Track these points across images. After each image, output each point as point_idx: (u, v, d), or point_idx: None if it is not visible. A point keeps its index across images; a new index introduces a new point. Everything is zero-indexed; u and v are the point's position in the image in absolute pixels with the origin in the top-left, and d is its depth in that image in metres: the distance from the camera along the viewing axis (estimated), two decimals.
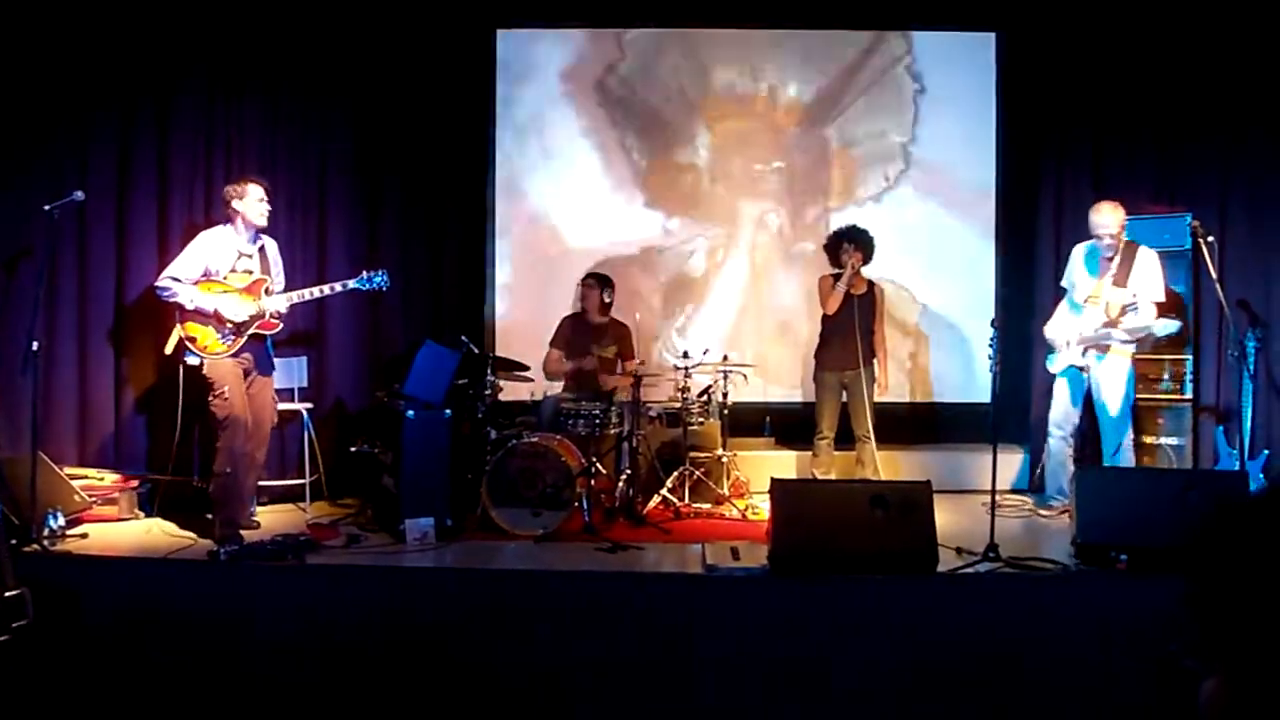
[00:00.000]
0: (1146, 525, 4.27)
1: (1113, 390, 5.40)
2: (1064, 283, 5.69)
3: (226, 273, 4.98)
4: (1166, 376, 5.82)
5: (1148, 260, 5.39)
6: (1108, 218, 5.38)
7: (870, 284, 6.00)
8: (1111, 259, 5.39)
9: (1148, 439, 5.85)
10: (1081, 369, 5.48)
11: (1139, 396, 5.84)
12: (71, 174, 5.29)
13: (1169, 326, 5.52)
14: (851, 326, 5.77)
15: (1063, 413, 5.61)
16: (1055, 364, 5.61)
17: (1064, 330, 5.55)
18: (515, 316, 6.93)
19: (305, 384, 5.91)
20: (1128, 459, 5.45)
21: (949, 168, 6.85)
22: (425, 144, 6.52)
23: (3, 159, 5.24)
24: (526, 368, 5.85)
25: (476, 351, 5.57)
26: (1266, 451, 5.65)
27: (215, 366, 4.89)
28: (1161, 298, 5.37)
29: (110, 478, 5.29)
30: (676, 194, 6.97)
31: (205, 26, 5.67)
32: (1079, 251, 5.60)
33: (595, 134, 6.93)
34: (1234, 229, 5.91)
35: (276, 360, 5.49)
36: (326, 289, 5.20)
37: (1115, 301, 5.32)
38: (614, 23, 6.90)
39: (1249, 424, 5.58)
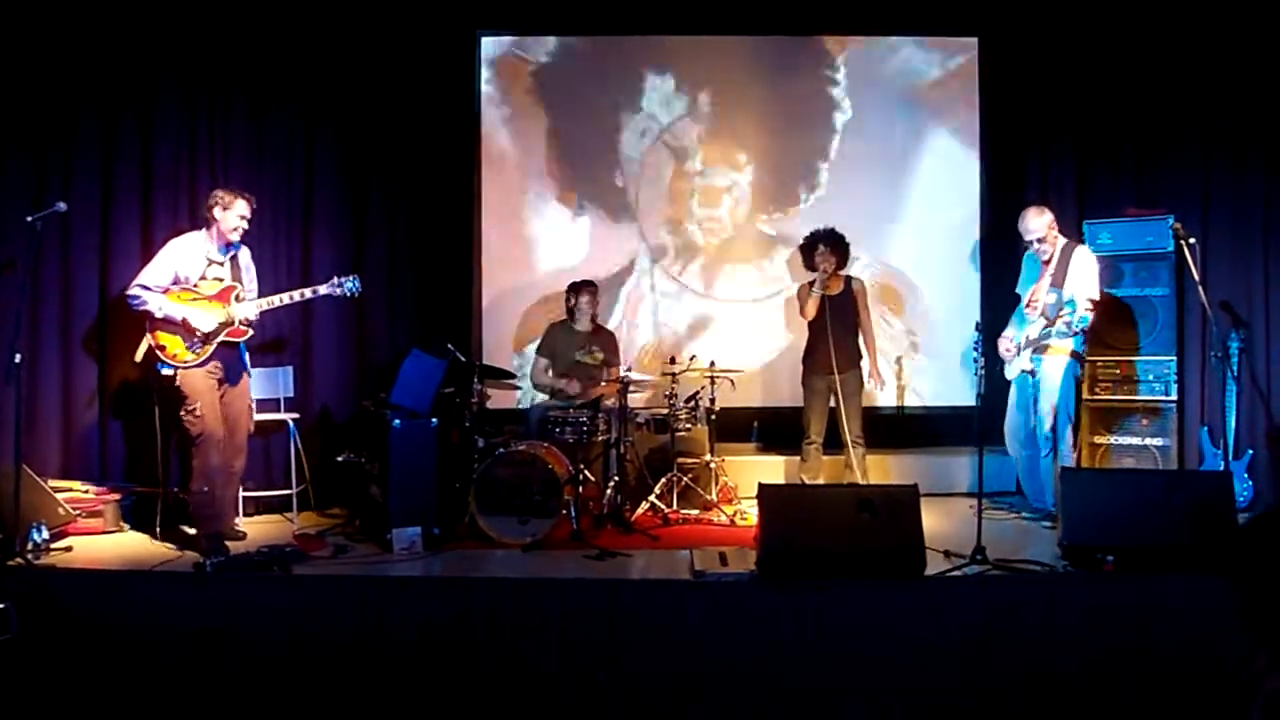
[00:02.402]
0: (1132, 526, 4.28)
1: (1047, 391, 5.41)
2: (1019, 289, 5.72)
3: (196, 280, 4.95)
4: (1151, 378, 5.85)
5: (1083, 259, 5.41)
6: (1033, 222, 5.45)
7: (847, 281, 6.02)
8: (1049, 261, 5.44)
9: (1132, 440, 5.88)
10: (1030, 373, 5.50)
11: (1123, 398, 5.88)
12: (54, 185, 5.26)
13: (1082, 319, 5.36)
14: (831, 329, 5.79)
15: (1014, 421, 5.65)
16: (1009, 371, 5.63)
17: (1009, 339, 5.59)
18: (502, 324, 6.92)
19: (291, 394, 5.88)
20: (1068, 462, 5.43)
21: (932, 172, 6.88)
22: (411, 151, 6.51)
23: None
24: (513, 375, 5.85)
25: (463, 359, 5.56)
26: (1250, 452, 5.69)
27: (188, 379, 4.85)
28: (1095, 295, 5.35)
29: (94, 490, 5.25)
30: (649, 203, 6.98)
31: (186, 34, 5.65)
32: (1026, 259, 5.64)
33: (554, 141, 6.96)
34: (1215, 231, 5.96)
35: (262, 371, 5.47)
36: (296, 295, 5.17)
37: (1051, 303, 5.35)
38: (596, 29, 6.92)
39: (1233, 425, 5.62)
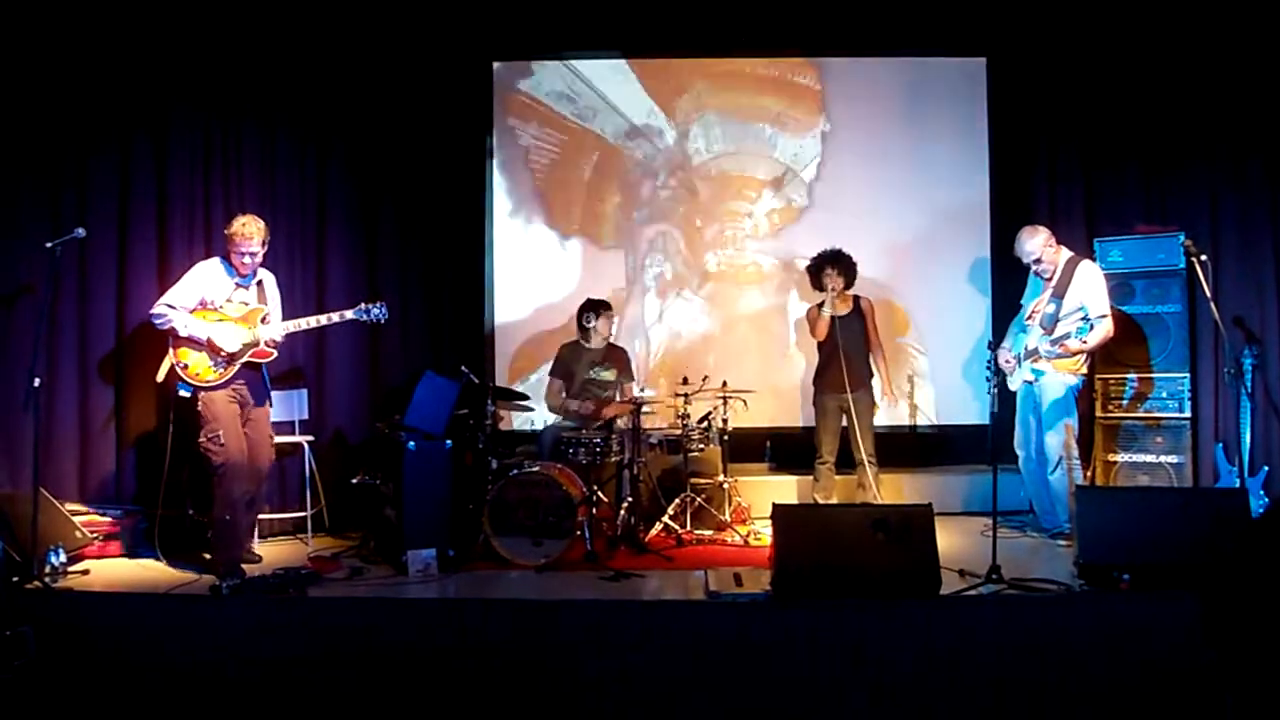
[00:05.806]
0: (1148, 544, 4.27)
1: (1047, 407, 5.42)
2: (1023, 301, 5.73)
3: (222, 302, 4.99)
4: (1165, 395, 5.83)
5: (1088, 273, 5.43)
6: (1028, 244, 5.50)
7: (855, 300, 6.05)
8: (1050, 278, 5.47)
9: (1147, 457, 5.86)
10: (1030, 382, 5.51)
11: (1136, 415, 5.87)
12: (71, 211, 5.33)
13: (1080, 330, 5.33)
14: (842, 348, 5.80)
15: (1021, 434, 5.65)
16: (1012, 383, 5.64)
17: (1007, 350, 5.60)
18: (515, 346, 6.95)
19: (306, 416, 5.91)
20: (1076, 478, 5.42)
21: (943, 192, 6.89)
22: (423, 175, 6.59)
23: (3, 196, 5.26)
24: (526, 397, 5.86)
25: (476, 381, 5.58)
26: (1266, 468, 5.66)
27: (210, 403, 4.86)
28: (1104, 311, 5.35)
29: (112, 513, 5.28)
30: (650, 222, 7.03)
31: (199, 63, 5.72)
32: (1032, 275, 5.65)
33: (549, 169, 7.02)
34: (1226, 248, 5.95)
35: (277, 393, 5.49)
36: (324, 319, 5.22)
37: (1049, 313, 5.36)
38: (605, 53, 6.98)
39: (1248, 441, 5.59)
